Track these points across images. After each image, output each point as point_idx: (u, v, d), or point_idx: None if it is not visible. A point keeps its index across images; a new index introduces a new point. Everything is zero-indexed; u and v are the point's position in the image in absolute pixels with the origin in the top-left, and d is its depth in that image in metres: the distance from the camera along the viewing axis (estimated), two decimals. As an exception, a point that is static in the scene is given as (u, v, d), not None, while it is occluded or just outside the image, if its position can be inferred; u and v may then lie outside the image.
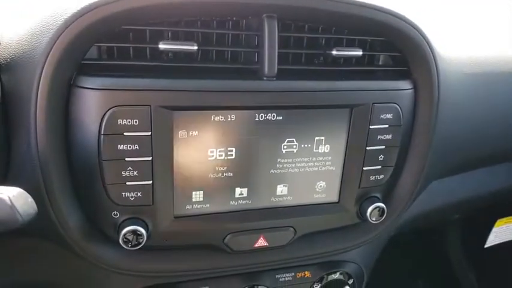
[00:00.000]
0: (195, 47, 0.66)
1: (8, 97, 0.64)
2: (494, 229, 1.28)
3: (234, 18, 0.70)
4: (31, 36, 0.63)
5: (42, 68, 0.60)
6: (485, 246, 1.30)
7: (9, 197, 0.48)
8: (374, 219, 0.82)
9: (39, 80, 0.60)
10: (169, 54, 0.69)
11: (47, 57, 0.60)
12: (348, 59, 0.77)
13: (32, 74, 0.61)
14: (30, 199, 0.51)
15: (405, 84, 0.78)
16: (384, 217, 0.82)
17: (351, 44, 0.77)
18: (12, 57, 0.64)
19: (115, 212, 0.69)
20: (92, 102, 0.63)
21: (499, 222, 1.27)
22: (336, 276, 0.94)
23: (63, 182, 0.67)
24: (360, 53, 0.74)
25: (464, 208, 1.15)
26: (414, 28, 0.74)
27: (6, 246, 0.77)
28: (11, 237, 0.66)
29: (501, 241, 1.33)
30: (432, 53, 0.76)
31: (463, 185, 1.07)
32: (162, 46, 0.64)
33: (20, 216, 0.48)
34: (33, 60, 0.61)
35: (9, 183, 0.65)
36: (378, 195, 0.84)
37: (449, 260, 1.59)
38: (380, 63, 0.82)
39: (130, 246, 0.69)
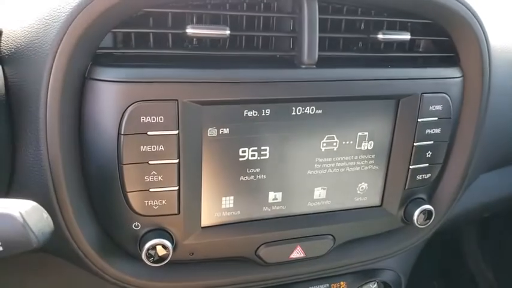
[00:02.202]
0: (228, 32, 0.57)
1: (13, 93, 0.55)
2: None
3: (265, 0, 0.62)
4: (39, 23, 0.54)
5: (54, 59, 0.51)
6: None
7: (21, 213, 0.38)
8: (420, 222, 0.74)
9: (50, 73, 0.51)
10: (194, 41, 0.61)
11: (58, 47, 0.51)
12: (388, 45, 0.69)
13: (40, 67, 0.52)
14: (46, 215, 0.41)
15: (455, 72, 0.70)
16: (431, 220, 0.74)
17: (391, 28, 0.69)
18: (17, 47, 0.55)
19: (136, 224, 0.61)
20: (111, 97, 0.54)
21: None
22: (374, 286, 0.86)
23: (77, 190, 0.58)
24: (408, 37, 0.66)
25: (499, 206, 1.08)
26: (467, 8, 0.65)
27: (5, 262, 0.68)
28: None
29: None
30: (485, 37, 0.68)
31: (502, 183, 0.99)
32: (190, 31, 0.56)
33: (35, 236, 0.38)
34: (42, 50, 0.53)
35: (13, 192, 0.57)
36: (424, 196, 0.76)
37: (467, 260, 1.52)
38: (420, 49, 0.74)
39: (153, 262, 0.61)
